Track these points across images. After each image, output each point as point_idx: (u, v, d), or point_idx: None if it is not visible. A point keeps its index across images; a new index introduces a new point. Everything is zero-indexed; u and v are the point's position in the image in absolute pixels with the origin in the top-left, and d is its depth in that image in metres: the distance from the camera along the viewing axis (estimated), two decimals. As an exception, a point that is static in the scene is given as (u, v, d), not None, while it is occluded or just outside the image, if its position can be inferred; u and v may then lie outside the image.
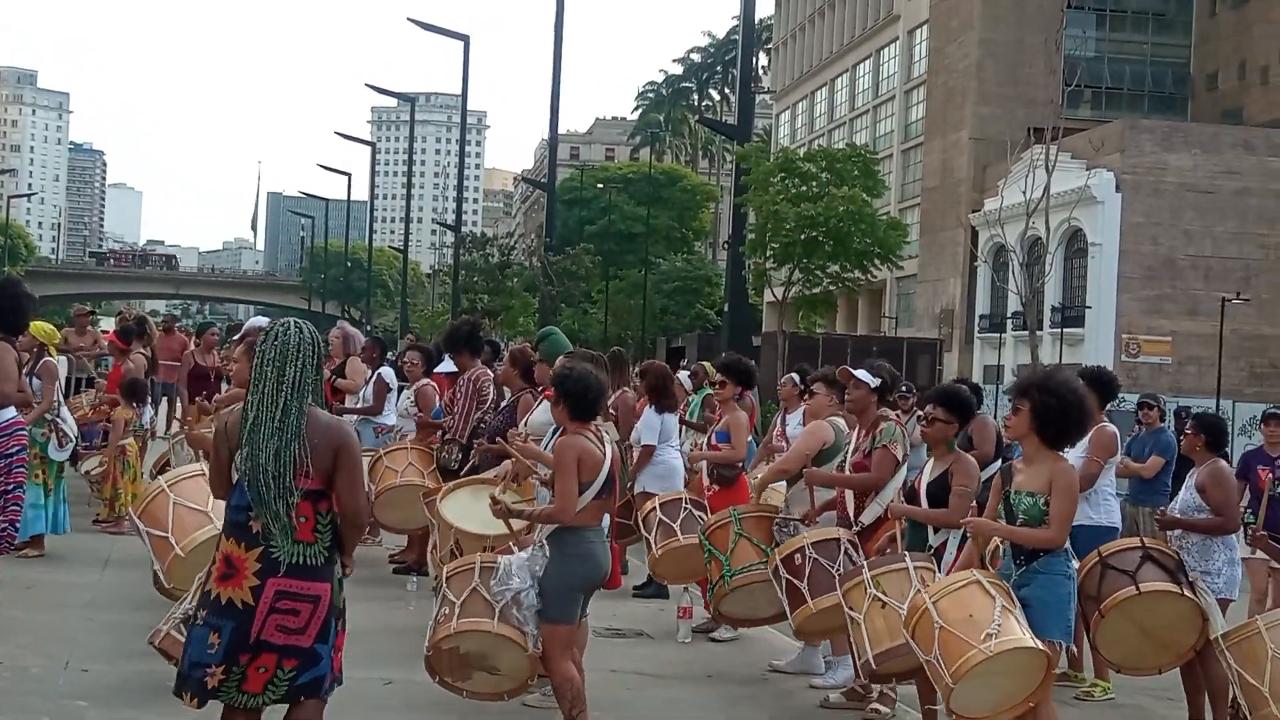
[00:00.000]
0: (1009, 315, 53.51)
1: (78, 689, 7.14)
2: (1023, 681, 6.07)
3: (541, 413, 8.67)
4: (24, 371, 10.16)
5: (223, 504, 7.48)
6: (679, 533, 9.17)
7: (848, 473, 8.03)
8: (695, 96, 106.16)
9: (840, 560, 7.62)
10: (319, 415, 5.12)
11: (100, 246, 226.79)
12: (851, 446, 8.14)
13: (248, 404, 5.09)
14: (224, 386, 18.28)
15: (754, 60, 45.49)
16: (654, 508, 9.44)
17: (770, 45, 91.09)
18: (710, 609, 8.90)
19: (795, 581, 7.62)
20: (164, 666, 7.55)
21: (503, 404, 10.65)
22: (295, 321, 5.18)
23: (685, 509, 9.38)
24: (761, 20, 74.61)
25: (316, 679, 5.06)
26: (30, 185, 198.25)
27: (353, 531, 5.21)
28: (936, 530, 7.12)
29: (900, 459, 7.90)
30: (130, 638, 8.36)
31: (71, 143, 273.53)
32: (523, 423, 9.08)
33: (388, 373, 13.23)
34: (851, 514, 7.98)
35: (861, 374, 8.11)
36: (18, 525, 9.01)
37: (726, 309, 37.61)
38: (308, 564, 5.01)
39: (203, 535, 7.48)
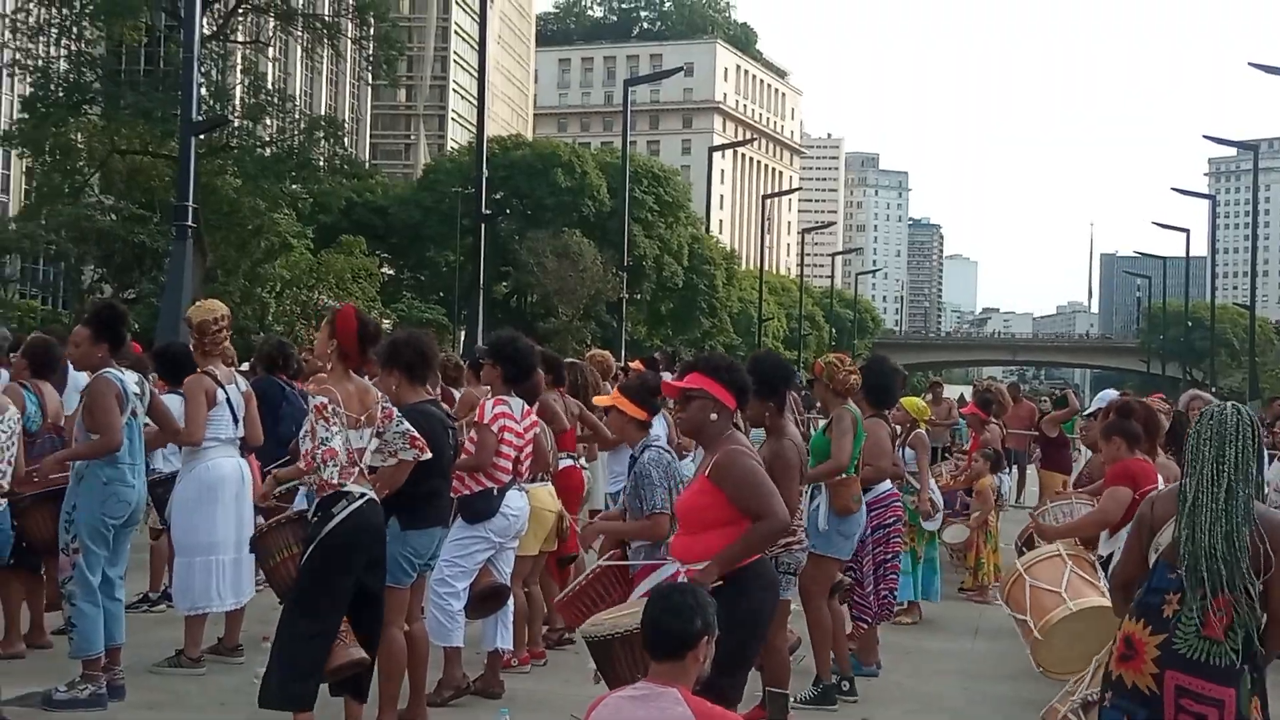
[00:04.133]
0: None
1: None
2: None
3: None
4: (897, 444, 10.73)
5: (1078, 584, 7.46)
6: None
7: None
8: None
9: None
10: (1259, 506, 4.85)
11: (939, 316, 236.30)
12: None
13: (1184, 485, 4.90)
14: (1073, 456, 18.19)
15: None
16: None
17: None
18: None
19: None
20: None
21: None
22: (1233, 405, 4.97)
23: None
24: None
25: None
26: (874, 261, 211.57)
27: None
28: None
29: None
30: (1009, 708, 8.46)
31: (910, 219, 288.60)
32: None
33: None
34: None
35: None
36: (895, 592, 9.51)
37: None
38: (1211, 663, 4.71)
39: (1057, 616, 7.39)
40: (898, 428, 11.24)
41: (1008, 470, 16.14)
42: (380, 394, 6.74)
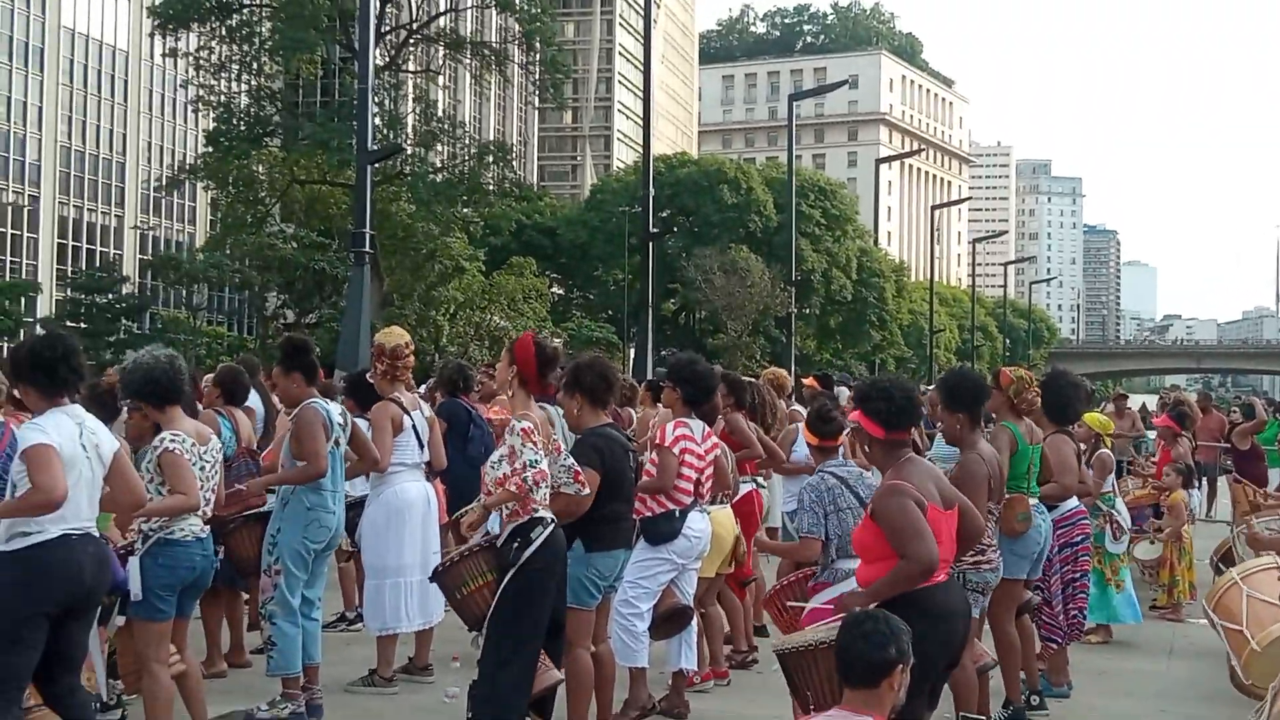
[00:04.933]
0: None
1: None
2: None
3: None
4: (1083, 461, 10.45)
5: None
6: None
7: None
8: None
9: None
10: None
11: (1117, 324, 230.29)
12: None
13: None
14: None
15: None
16: None
17: None
18: None
19: None
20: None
21: None
22: None
23: None
24: None
25: None
26: (1048, 270, 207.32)
27: None
28: None
29: None
30: (1209, 734, 8.20)
31: (1085, 225, 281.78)
32: None
33: None
34: None
35: None
36: (1086, 612, 9.26)
37: None
38: None
39: (1277, 630, 7.22)
40: (1081, 445, 10.94)
41: (1197, 484, 15.57)
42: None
